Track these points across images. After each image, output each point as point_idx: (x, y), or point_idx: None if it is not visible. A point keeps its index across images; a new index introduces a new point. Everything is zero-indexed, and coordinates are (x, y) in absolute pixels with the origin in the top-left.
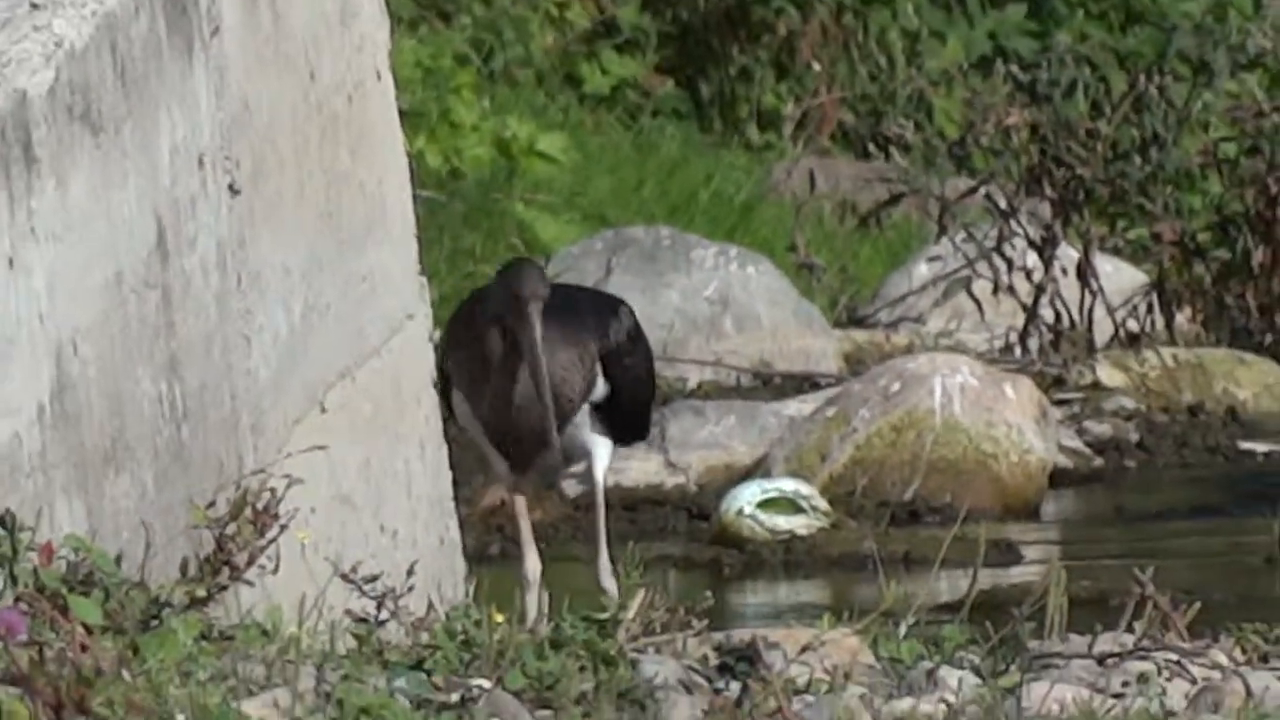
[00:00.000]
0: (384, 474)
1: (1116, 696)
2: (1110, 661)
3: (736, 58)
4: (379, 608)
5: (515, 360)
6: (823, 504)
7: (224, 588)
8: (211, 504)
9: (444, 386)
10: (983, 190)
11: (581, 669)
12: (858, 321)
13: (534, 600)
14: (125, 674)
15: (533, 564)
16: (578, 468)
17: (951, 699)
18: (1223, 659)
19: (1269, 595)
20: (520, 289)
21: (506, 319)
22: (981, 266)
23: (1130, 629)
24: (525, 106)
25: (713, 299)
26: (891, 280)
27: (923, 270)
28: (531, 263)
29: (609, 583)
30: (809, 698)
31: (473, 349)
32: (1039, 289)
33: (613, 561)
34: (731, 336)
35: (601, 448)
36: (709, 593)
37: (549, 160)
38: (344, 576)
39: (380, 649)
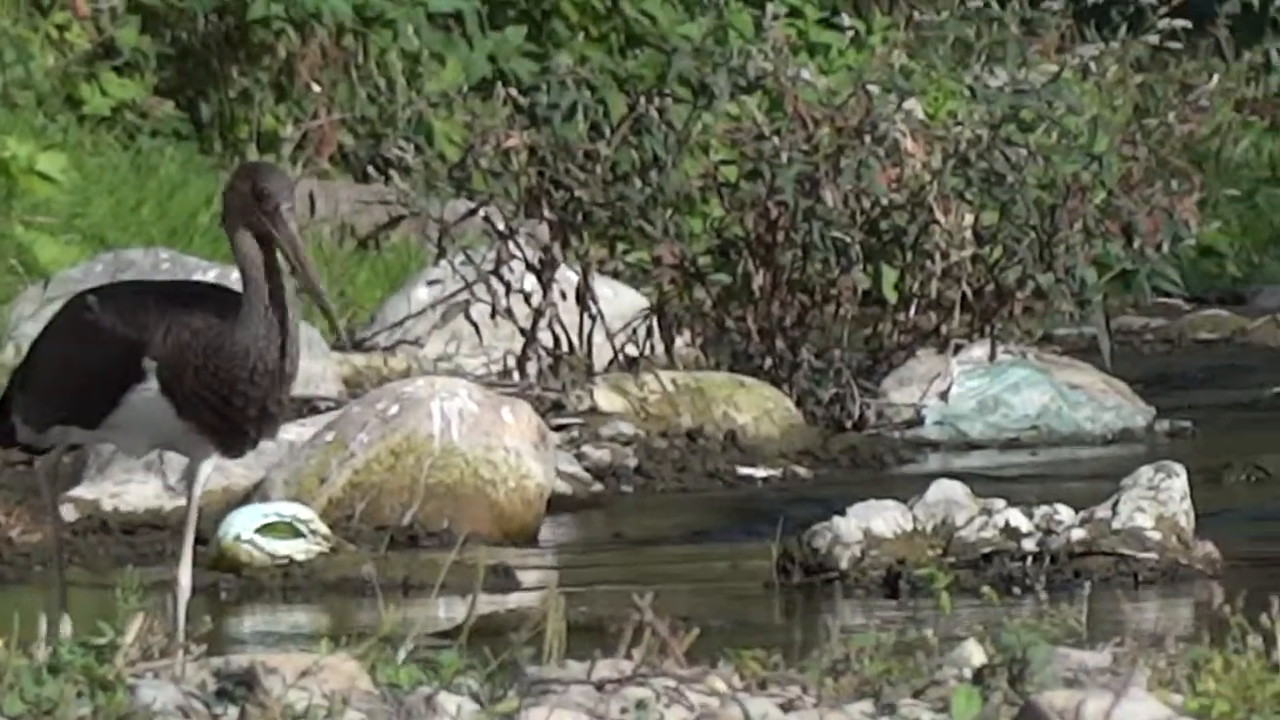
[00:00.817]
0: None
1: None
2: (609, 687)
3: (236, 79)
4: None
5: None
6: (322, 528)
7: None
8: None
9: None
10: (482, 213)
11: (80, 694)
12: (356, 345)
13: (182, 613)
14: None
15: (185, 579)
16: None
17: None
18: (721, 685)
19: (768, 621)
20: (271, 188)
21: (255, 222)
22: (480, 290)
23: (629, 655)
24: (25, 127)
25: None
26: (390, 303)
27: (421, 293)
28: (271, 165)
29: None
30: None
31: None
32: (538, 312)
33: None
34: None
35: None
36: (208, 618)
37: (49, 181)
38: None
39: None
